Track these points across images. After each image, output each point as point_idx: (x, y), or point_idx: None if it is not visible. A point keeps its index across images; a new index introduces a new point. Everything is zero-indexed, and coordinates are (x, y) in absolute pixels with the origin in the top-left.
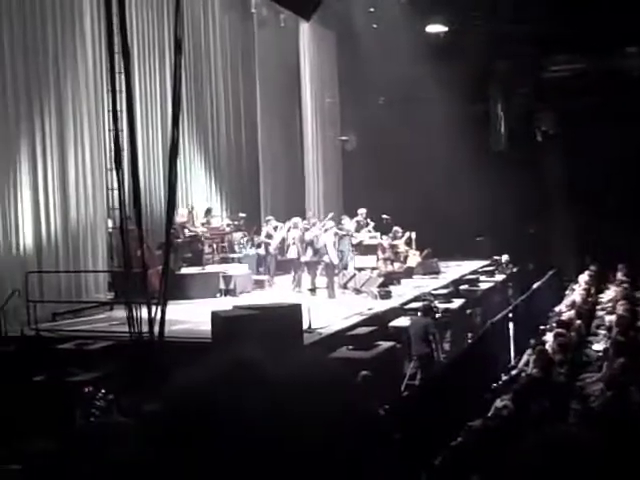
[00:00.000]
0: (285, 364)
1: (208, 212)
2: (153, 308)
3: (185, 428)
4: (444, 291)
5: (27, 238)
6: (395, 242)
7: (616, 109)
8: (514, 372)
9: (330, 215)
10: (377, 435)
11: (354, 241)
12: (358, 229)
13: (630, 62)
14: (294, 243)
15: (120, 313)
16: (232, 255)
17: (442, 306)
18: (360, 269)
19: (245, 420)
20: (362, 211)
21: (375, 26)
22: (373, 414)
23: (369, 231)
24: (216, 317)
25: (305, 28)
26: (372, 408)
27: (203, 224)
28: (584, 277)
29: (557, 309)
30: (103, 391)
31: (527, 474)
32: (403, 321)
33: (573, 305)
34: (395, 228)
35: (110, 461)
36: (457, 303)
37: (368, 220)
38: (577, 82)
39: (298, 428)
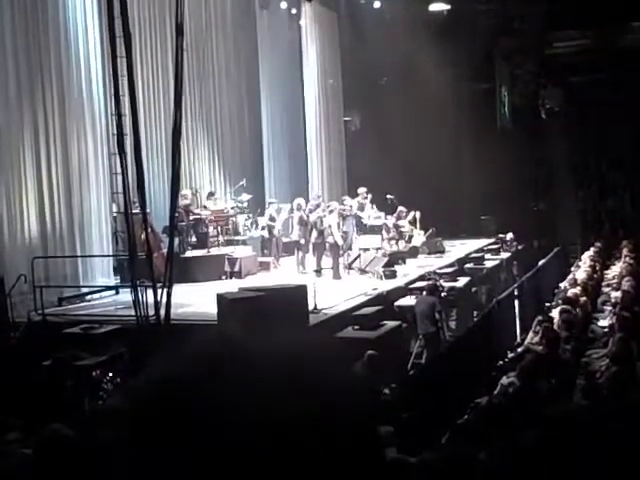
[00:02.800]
0: (273, 343)
1: (211, 195)
2: (159, 291)
3: (168, 404)
4: (449, 270)
5: (32, 224)
6: (399, 222)
7: (622, 85)
8: (520, 349)
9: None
10: (381, 415)
11: (364, 221)
12: (360, 208)
13: (635, 37)
14: (298, 224)
15: (126, 297)
16: (237, 237)
17: (447, 285)
18: (365, 249)
19: (227, 402)
20: (362, 190)
21: (377, 5)
22: (376, 394)
23: (372, 209)
24: (222, 299)
25: (307, 9)
26: (375, 387)
27: (206, 207)
28: (589, 254)
29: (562, 286)
30: (110, 374)
31: (534, 450)
32: (408, 300)
33: (578, 282)
34: (399, 208)
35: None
36: (462, 281)
37: (369, 198)
38: (582, 58)
39: (284, 410)
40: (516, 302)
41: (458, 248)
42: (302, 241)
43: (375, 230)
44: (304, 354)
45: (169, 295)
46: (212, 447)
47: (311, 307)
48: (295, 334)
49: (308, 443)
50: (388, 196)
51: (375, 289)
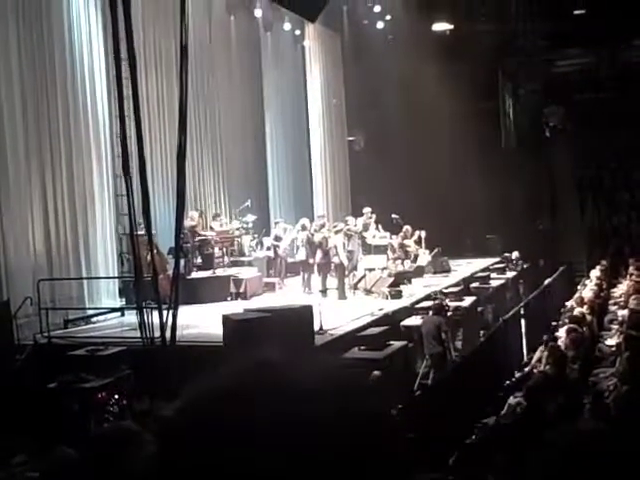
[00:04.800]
0: (300, 367)
1: (216, 216)
2: (164, 313)
3: (200, 433)
4: (455, 289)
5: (38, 246)
6: (405, 241)
7: (625, 103)
8: (527, 369)
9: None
10: (392, 437)
11: (368, 241)
12: (365, 228)
13: (638, 55)
14: (303, 245)
15: (132, 318)
16: (242, 258)
17: (453, 304)
18: (370, 269)
19: (262, 426)
20: (367, 210)
21: (380, 26)
22: (388, 416)
23: (377, 229)
24: (227, 320)
25: (310, 30)
26: (387, 410)
27: (212, 228)
28: (596, 272)
29: (569, 305)
30: (116, 397)
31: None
32: (415, 320)
33: (585, 300)
34: (405, 227)
35: (124, 468)
36: (468, 301)
37: (373, 218)
38: (586, 76)
39: (316, 434)
40: (522, 321)
41: (464, 267)
42: (311, 261)
43: (380, 250)
44: (342, 386)
45: (175, 316)
46: (244, 472)
47: (317, 328)
48: (331, 365)
49: (339, 471)
50: (393, 216)
51: (381, 309)
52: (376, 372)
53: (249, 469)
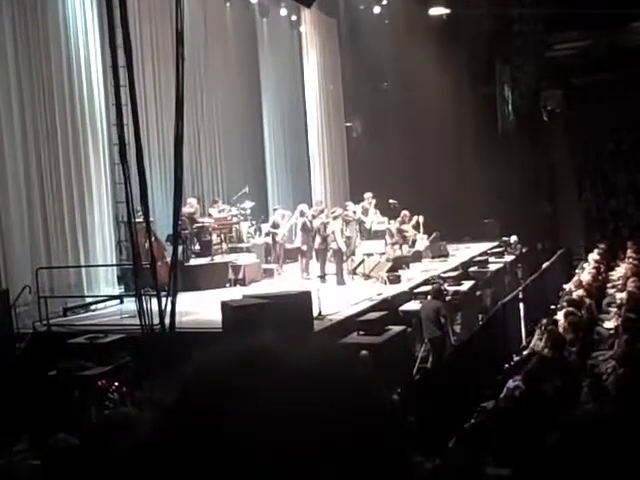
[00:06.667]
0: (298, 350)
1: (214, 203)
2: (163, 300)
3: (200, 417)
4: (453, 273)
5: (36, 234)
6: (403, 226)
7: (623, 86)
8: (525, 352)
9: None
10: (390, 420)
11: (367, 226)
12: (364, 213)
13: (636, 38)
14: (300, 231)
15: (130, 306)
16: (240, 245)
17: (452, 289)
18: (369, 254)
19: (262, 408)
20: (368, 195)
21: (377, 10)
22: (385, 399)
23: (376, 214)
24: (226, 307)
25: (307, 15)
26: (377, 388)
27: (210, 215)
28: (594, 255)
29: (567, 288)
30: (116, 384)
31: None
32: (413, 305)
33: (583, 284)
34: (403, 212)
35: (123, 450)
36: (467, 285)
37: (373, 204)
38: (583, 60)
39: (316, 415)
40: (521, 305)
41: (462, 252)
42: (305, 247)
43: (379, 235)
44: (338, 369)
45: (173, 303)
46: (241, 450)
47: (316, 313)
48: (328, 348)
49: (337, 454)
50: (391, 201)
51: (379, 294)
52: (364, 352)
53: (245, 448)
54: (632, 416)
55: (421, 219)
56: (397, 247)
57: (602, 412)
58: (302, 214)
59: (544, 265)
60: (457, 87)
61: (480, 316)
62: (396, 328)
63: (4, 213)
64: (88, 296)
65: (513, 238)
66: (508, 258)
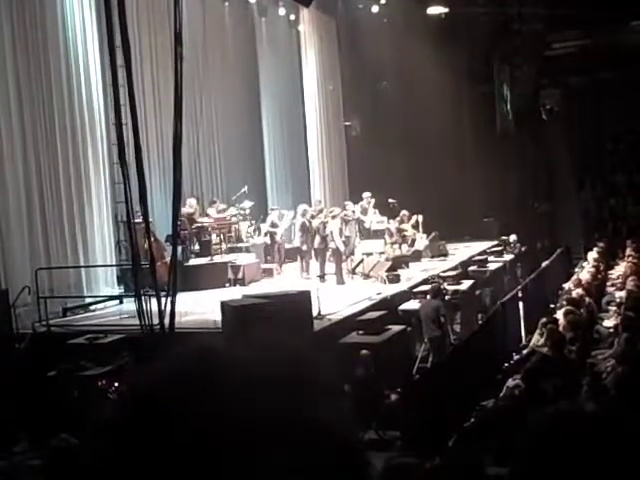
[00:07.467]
0: (258, 348)
1: (213, 203)
2: (163, 300)
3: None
4: (453, 273)
5: (35, 235)
6: (402, 226)
7: (622, 85)
8: (525, 351)
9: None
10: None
11: (366, 225)
12: (363, 213)
13: (635, 37)
14: (300, 230)
15: (130, 306)
16: (239, 245)
17: (451, 288)
18: (368, 254)
19: (209, 406)
20: (366, 195)
21: (375, 10)
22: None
23: (375, 214)
24: (226, 307)
25: (305, 15)
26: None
27: (208, 215)
28: (593, 254)
29: (566, 287)
30: (116, 384)
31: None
32: (413, 304)
33: (582, 282)
34: (402, 212)
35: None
36: (466, 284)
37: (372, 203)
38: (581, 59)
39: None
40: (520, 304)
41: (461, 251)
42: (305, 247)
43: (378, 234)
44: (289, 357)
45: (173, 303)
46: (194, 449)
47: (315, 313)
48: (281, 340)
49: (287, 445)
50: (390, 200)
51: (379, 294)
52: (364, 351)
53: (199, 443)
54: (608, 416)
55: (420, 218)
56: (396, 246)
57: (574, 411)
58: (303, 214)
59: (543, 264)
60: (456, 86)
61: (479, 315)
62: (396, 327)
63: (3, 214)
64: (88, 296)
65: (512, 237)
66: (507, 257)
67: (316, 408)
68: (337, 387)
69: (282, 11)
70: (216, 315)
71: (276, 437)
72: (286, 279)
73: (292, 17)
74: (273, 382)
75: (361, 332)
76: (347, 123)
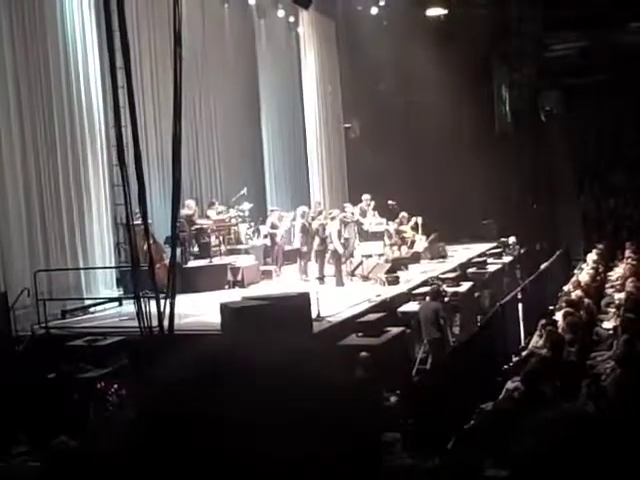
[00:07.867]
0: (273, 350)
1: (212, 205)
2: (162, 302)
3: (170, 418)
4: (452, 275)
5: (34, 237)
6: (401, 227)
7: (621, 86)
8: (524, 353)
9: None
10: (383, 420)
11: (365, 227)
12: (362, 215)
13: (634, 38)
14: (299, 232)
15: (129, 308)
16: (239, 246)
17: (450, 290)
18: (367, 256)
19: (227, 408)
20: (366, 197)
21: (375, 12)
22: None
23: (374, 216)
24: (225, 309)
25: (304, 17)
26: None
27: (208, 217)
28: (592, 256)
29: (566, 289)
30: (115, 386)
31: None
32: (412, 306)
33: (582, 284)
34: (401, 214)
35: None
36: (465, 286)
37: (371, 205)
38: (581, 60)
39: (277, 407)
40: (519, 306)
41: (460, 253)
42: (304, 249)
43: (377, 236)
44: (304, 360)
45: (172, 305)
46: (212, 451)
47: (314, 315)
48: (296, 341)
49: (307, 446)
50: (389, 202)
51: (378, 295)
52: (363, 353)
53: (217, 444)
54: (607, 417)
55: (419, 220)
56: (396, 248)
57: (573, 413)
58: (303, 215)
59: (543, 266)
60: (455, 88)
61: (479, 317)
62: (395, 329)
63: (2, 215)
64: (87, 298)
65: (512, 239)
66: (507, 259)
67: (326, 406)
68: (342, 385)
69: (281, 13)
70: (215, 317)
71: (284, 438)
72: (285, 281)
73: (291, 19)
74: (279, 385)
75: (360, 334)
76: (346, 125)
